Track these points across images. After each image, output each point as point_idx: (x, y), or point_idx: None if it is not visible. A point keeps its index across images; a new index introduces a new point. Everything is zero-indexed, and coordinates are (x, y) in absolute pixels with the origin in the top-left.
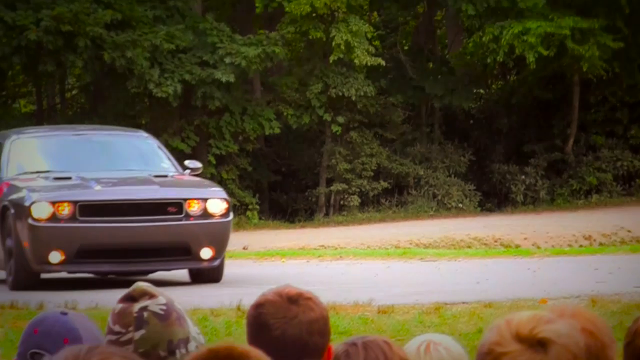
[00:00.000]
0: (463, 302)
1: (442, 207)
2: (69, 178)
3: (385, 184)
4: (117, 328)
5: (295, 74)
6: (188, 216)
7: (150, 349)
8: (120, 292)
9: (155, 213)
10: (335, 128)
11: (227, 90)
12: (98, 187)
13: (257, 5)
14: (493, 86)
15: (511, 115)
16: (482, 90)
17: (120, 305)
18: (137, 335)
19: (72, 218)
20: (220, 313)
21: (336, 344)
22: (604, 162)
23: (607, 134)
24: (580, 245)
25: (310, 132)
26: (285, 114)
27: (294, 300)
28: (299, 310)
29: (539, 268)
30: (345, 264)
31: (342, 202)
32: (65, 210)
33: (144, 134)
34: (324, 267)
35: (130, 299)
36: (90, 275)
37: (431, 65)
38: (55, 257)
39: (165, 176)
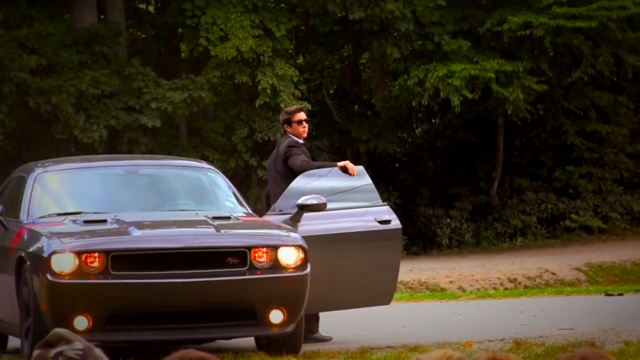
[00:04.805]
0: (388, 347)
1: None
2: (103, 221)
3: None
4: None
5: (221, 118)
6: (253, 269)
7: None
8: None
9: (211, 265)
10: (261, 173)
11: (153, 135)
12: (138, 233)
13: (182, 49)
14: (418, 130)
15: (436, 159)
16: (406, 134)
17: (37, 352)
18: None
19: (104, 273)
20: None
21: None
22: (528, 204)
23: (532, 177)
24: (505, 288)
25: (236, 177)
26: (211, 158)
27: None
28: None
29: (464, 311)
30: None
31: None
32: (95, 262)
33: (204, 165)
34: None
35: (47, 345)
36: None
37: (357, 109)
38: (82, 323)
39: (228, 218)
